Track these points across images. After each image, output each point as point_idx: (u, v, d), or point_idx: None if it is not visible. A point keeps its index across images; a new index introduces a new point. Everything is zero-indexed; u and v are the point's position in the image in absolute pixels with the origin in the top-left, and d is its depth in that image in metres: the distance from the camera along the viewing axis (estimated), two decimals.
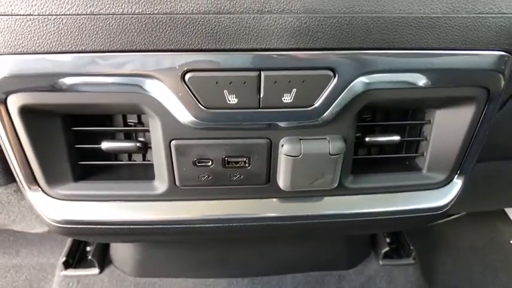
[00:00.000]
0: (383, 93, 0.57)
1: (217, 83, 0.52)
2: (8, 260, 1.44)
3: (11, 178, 0.68)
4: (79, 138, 0.63)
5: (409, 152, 0.72)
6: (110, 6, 0.48)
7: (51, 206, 0.65)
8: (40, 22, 0.48)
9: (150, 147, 0.63)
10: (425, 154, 0.69)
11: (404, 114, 0.69)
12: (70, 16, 0.48)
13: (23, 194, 0.67)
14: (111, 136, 0.67)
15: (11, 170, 0.64)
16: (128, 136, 0.68)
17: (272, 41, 0.51)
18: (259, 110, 0.55)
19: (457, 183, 0.72)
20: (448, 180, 0.71)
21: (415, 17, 0.51)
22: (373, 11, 0.50)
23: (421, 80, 0.56)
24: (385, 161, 0.72)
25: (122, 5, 0.48)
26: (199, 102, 0.53)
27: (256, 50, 0.51)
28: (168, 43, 0.50)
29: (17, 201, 0.82)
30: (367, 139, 0.66)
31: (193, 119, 0.54)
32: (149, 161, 0.68)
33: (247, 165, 0.61)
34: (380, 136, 0.67)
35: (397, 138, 0.66)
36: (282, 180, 0.62)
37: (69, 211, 0.65)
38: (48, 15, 0.48)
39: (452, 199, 0.72)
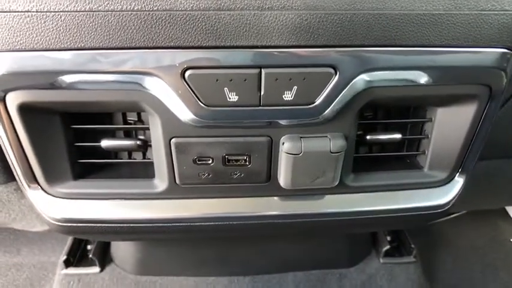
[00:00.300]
0: (384, 90, 0.57)
1: (217, 80, 0.52)
2: (9, 259, 1.44)
3: (10, 177, 0.68)
4: (79, 136, 0.63)
5: (411, 150, 0.72)
6: (108, 3, 0.47)
7: (51, 204, 0.65)
8: (38, 19, 0.48)
9: (150, 145, 0.62)
10: (426, 152, 0.68)
11: (405, 112, 0.69)
12: (68, 13, 0.47)
13: (23, 193, 0.66)
14: (111, 134, 0.66)
15: (10, 169, 0.63)
16: (128, 134, 0.67)
17: (273, 38, 0.50)
18: (260, 107, 0.55)
19: (459, 182, 0.71)
20: (449, 179, 0.71)
21: (416, 14, 0.51)
22: (375, 7, 0.50)
23: (423, 78, 0.56)
24: (386, 159, 0.71)
25: (120, 1, 0.47)
26: (199, 99, 0.53)
27: (256, 47, 0.51)
28: (167, 40, 0.50)
29: (17, 199, 0.82)
30: (368, 137, 0.66)
31: (193, 116, 0.54)
32: (149, 159, 0.68)
33: (247, 163, 0.61)
34: (381, 134, 0.67)
35: (398, 136, 0.66)
36: (283, 178, 0.62)
37: (68, 209, 0.65)
38: (46, 11, 0.47)
39: (454, 197, 0.71)
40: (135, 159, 0.70)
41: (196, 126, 0.56)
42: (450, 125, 0.65)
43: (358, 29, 0.51)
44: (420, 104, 0.66)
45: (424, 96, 0.60)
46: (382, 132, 0.68)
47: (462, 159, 0.68)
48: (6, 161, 0.62)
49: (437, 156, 0.68)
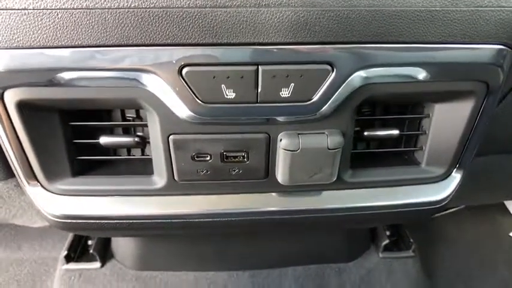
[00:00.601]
0: (381, 87, 0.57)
1: (214, 77, 0.52)
2: (10, 255, 1.45)
3: (10, 173, 0.68)
4: (77, 133, 0.63)
5: (408, 146, 0.72)
6: (105, 1, 0.47)
7: (50, 201, 0.65)
8: (35, 16, 0.48)
9: (149, 142, 0.63)
10: (424, 148, 0.68)
11: (403, 108, 0.69)
12: (65, 10, 0.47)
13: (23, 189, 0.67)
14: (110, 131, 0.67)
15: (10, 165, 0.64)
16: (127, 131, 0.67)
17: (269, 35, 0.50)
18: (257, 104, 0.55)
19: (456, 177, 0.72)
20: (446, 174, 0.71)
21: (413, 10, 0.51)
22: (372, 4, 0.50)
23: (420, 74, 0.56)
24: (384, 155, 0.72)
25: None
26: (196, 96, 0.53)
27: (253, 44, 0.51)
28: (164, 37, 0.50)
29: (18, 195, 0.82)
30: (366, 133, 0.66)
31: (190, 113, 0.54)
32: (148, 155, 0.68)
33: (245, 159, 0.61)
34: (379, 130, 0.67)
35: (396, 132, 0.66)
36: (281, 174, 0.62)
37: (68, 206, 0.65)
38: (43, 9, 0.47)
39: (451, 193, 0.72)
40: (133, 155, 0.70)
41: (194, 123, 0.56)
42: (448, 121, 0.65)
43: (355, 26, 0.51)
44: (418, 100, 0.66)
45: (422, 93, 0.60)
46: (380, 128, 0.68)
47: (459, 155, 0.68)
48: (6, 157, 0.63)
49: (435, 152, 0.68)
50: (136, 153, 0.71)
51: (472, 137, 0.66)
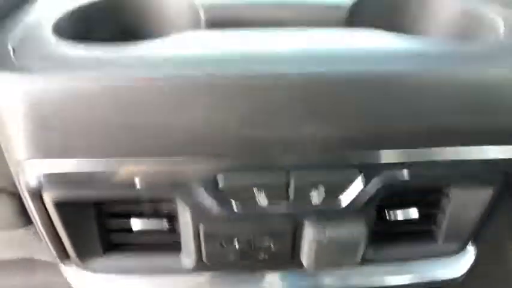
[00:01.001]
0: (406, 182, 0.59)
1: (247, 183, 0.54)
2: (25, 280, 1.47)
3: (29, 220, 0.70)
4: (109, 215, 0.65)
5: (426, 223, 0.74)
6: (140, 117, 0.49)
7: (83, 278, 0.68)
8: (70, 132, 0.50)
9: (177, 221, 0.65)
10: (441, 226, 0.71)
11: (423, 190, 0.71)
12: (100, 125, 0.49)
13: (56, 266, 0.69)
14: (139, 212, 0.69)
15: (28, 212, 0.65)
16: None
17: (302, 153, 0.53)
18: (287, 206, 0.57)
19: (470, 251, 0.74)
20: (461, 248, 0.73)
21: (442, 127, 0.53)
22: (400, 120, 0.52)
23: (444, 170, 0.58)
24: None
25: (151, 115, 0.49)
26: (230, 202, 0.56)
27: (286, 154, 0.53)
28: (200, 151, 0.52)
29: (38, 240, 0.84)
30: (387, 217, 0.68)
31: (223, 214, 0.57)
32: (174, 230, 0.70)
33: (272, 246, 0.64)
34: (399, 213, 0.69)
35: (415, 215, 0.68)
36: (306, 260, 0.64)
37: (99, 283, 0.68)
38: (77, 122, 0.49)
39: (468, 267, 0.74)
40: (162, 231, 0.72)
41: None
42: (467, 202, 0.67)
43: (385, 139, 0.53)
44: (438, 186, 0.69)
45: (444, 182, 0.62)
46: (400, 209, 0.70)
47: (476, 231, 0.70)
48: (24, 205, 0.65)
49: (452, 230, 0.70)
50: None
51: (490, 216, 0.68)
